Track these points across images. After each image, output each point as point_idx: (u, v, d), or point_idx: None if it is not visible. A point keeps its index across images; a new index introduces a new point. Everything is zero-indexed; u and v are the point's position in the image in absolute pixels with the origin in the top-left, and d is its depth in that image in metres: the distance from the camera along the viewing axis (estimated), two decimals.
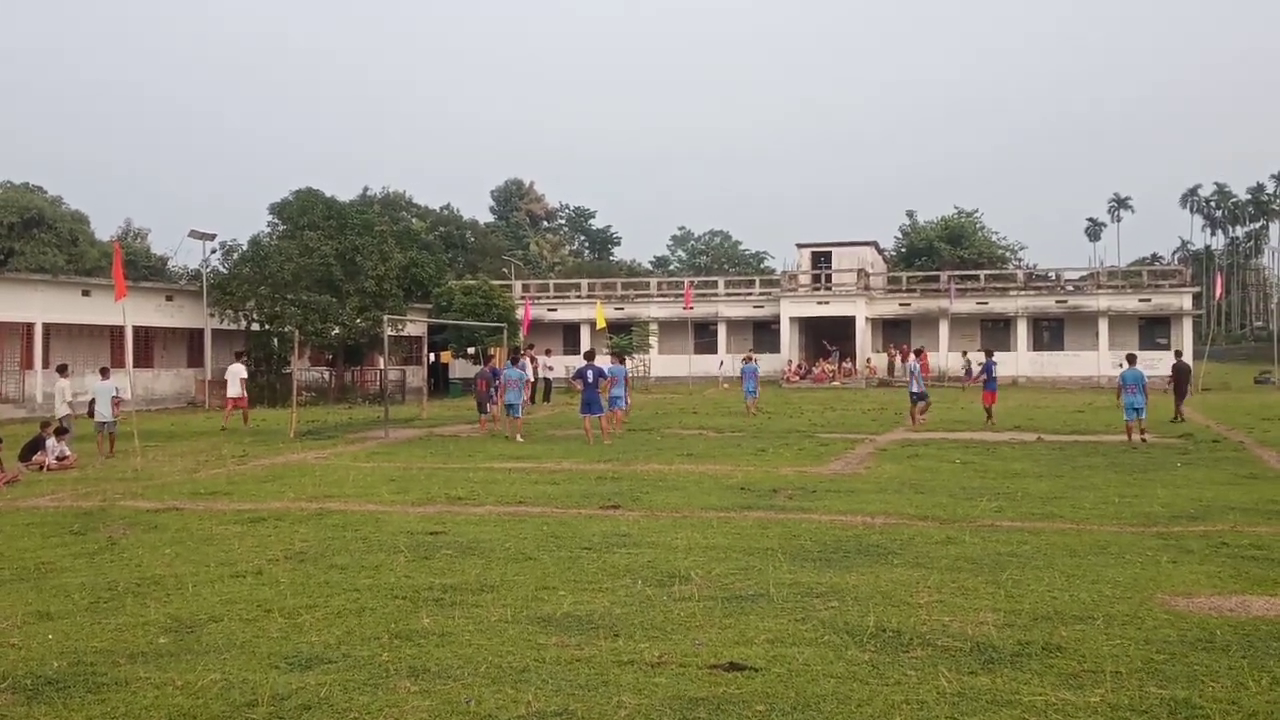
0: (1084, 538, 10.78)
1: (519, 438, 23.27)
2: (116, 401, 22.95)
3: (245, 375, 31.75)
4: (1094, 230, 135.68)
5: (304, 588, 8.83)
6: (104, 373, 24.28)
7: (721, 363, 55.46)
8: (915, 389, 26.98)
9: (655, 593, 8.45)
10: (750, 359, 35.11)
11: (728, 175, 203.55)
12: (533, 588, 8.69)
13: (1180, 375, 29.41)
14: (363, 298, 46.00)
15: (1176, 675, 6.20)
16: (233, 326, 45.43)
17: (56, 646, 7.17)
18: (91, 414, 23.09)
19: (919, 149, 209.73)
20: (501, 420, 26.34)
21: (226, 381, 31.80)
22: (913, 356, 29.78)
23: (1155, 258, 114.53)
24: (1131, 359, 23.48)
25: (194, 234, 47.01)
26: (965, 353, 50.98)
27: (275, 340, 45.57)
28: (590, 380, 22.98)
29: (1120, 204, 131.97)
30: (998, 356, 31.33)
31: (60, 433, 20.42)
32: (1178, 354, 35.63)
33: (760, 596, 8.25)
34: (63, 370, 24.76)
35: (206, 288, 45.41)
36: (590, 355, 24.77)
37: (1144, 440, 21.44)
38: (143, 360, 43.26)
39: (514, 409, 24.37)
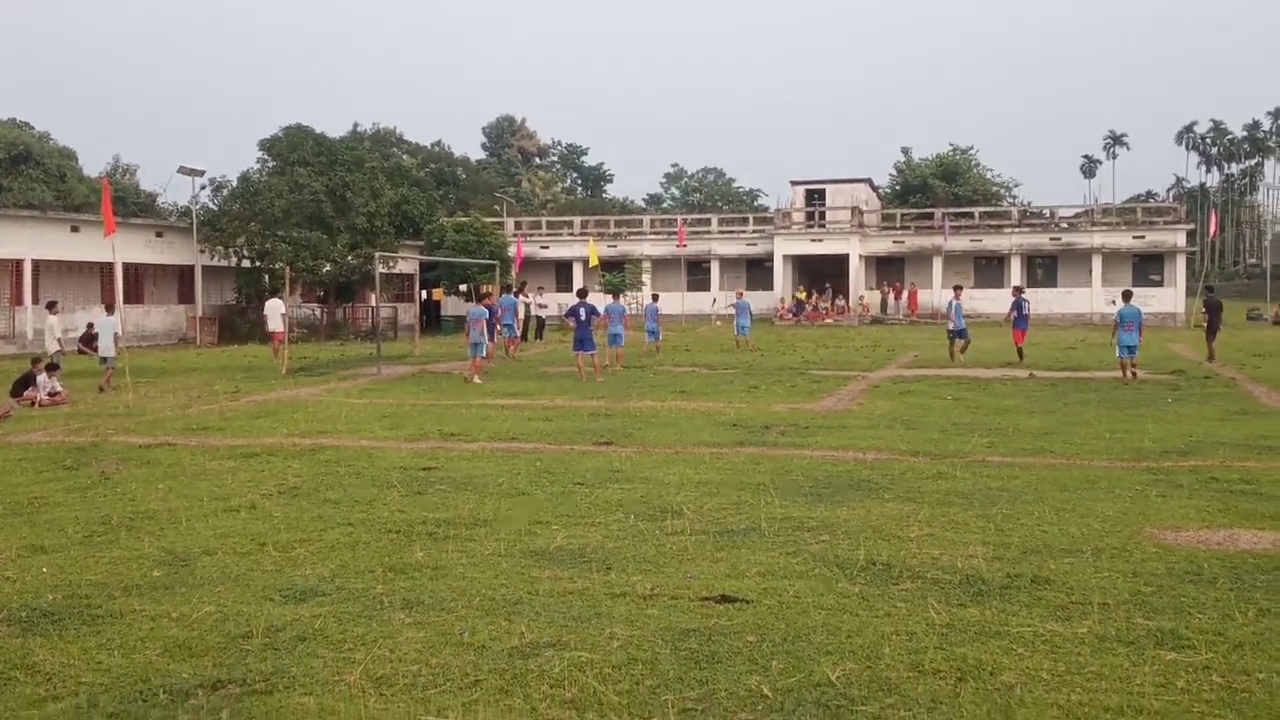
0: (1074, 472, 10.85)
1: (477, 379, 22.39)
2: (117, 337, 23.02)
3: (284, 310, 32.73)
4: (1089, 168, 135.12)
5: (297, 522, 8.88)
6: (109, 308, 24.26)
7: (714, 300, 55.40)
8: (954, 326, 27.05)
9: (647, 527, 8.50)
10: (741, 295, 34.87)
11: (722, 112, 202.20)
12: (526, 522, 8.74)
13: (1213, 310, 28.11)
14: (354, 234, 45.83)
15: (1164, 607, 6.26)
16: (223, 263, 45.28)
17: (51, 579, 7.21)
18: (86, 350, 23.16)
19: (915, 86, 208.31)
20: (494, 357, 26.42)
21: (266, 318, 33.00)
22: (952, 293, 29.17)
23: (1150, 195, 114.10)
24: (1127, 295, 22.98)
25: (183, 170, 46.77)
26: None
27: (266, 277, 45.45)
28: (583, 318, 22.92)
29: (1116, 141, 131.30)
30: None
31: (52, 368, 20.39)
32: (1209, 289, 33.98)
33: (752, 531, 8.31)
34: (52, 307, 24.71)
35: (196, 224, 45.23)
36: (583, 293, 24.59)
37: (1134, 377, 21.36)
38: (133, 297, 43.19)
39: (478, 348, 23.34)
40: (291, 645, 5.75)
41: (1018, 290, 28.89)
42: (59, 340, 23.70)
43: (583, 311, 23.02)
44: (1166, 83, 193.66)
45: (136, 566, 7.54)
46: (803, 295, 56.68)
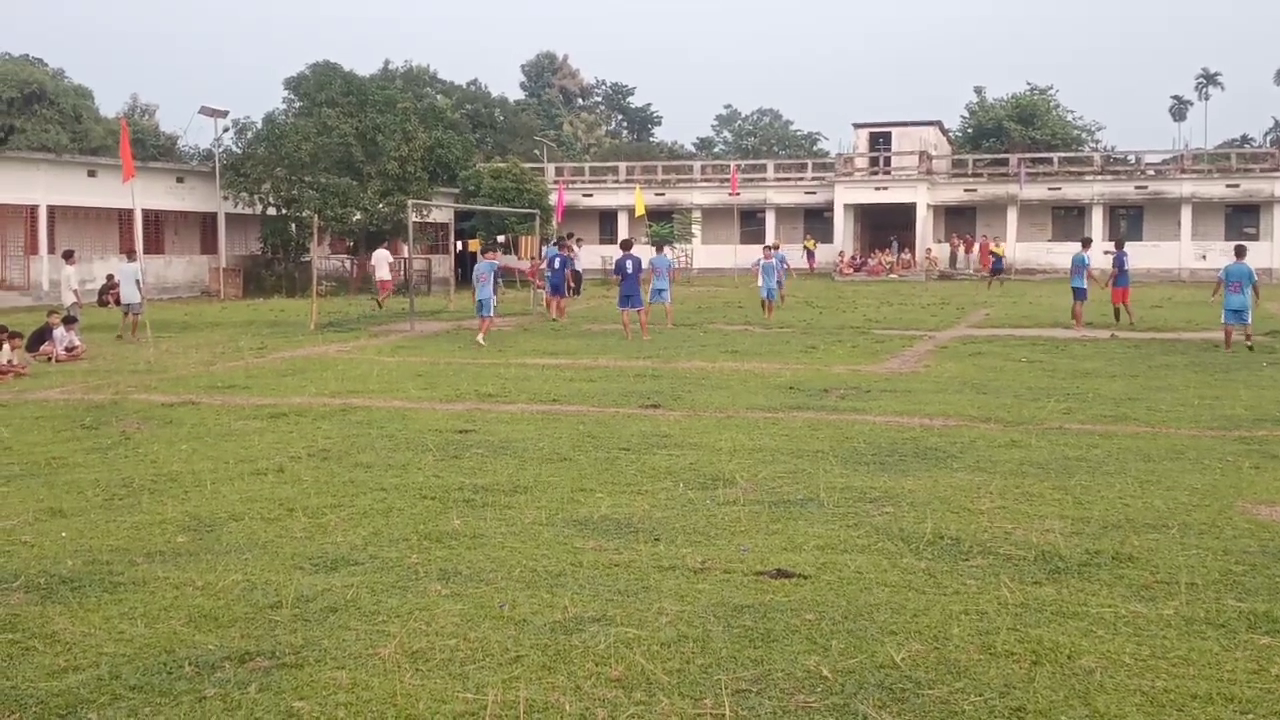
0: (1159, 441, 10.74)
1: (481, 338, 21.98)
2: (139, 284, 23.43)
3: (391, 260, 37.28)
4: (1179, 110, 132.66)
5: (328, 486, 8.97)
6: (129, 255, 24.52)
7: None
8: (1078, 283, 24.77)
9: (698, 496, 8.52)
10: (772, 251, 30.74)
11: (778, 46, 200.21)
12: (568, 489, 8.78)
13: None
14: (385, 180, 45.97)
15: (1257, 587, 6.20)
16: (247, 210, 45.60)
17: (70, 545, 7.34)
18: (104, 302, 23.52)
19: (989, 19, 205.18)
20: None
21: (374, 267, 36.11)
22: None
23: (1245, 140, 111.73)
24: (1241, 251, 20.93)
25: (205, 110, 46.98)
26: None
27: (293, 226, 45.77)
28: (629, 272, 22.85)
29: (1209, 80, 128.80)
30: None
31: (69, 321, 20.68)
32: None
33: (810, 501, 8.30)
34: (69, 256, 25.04)
35: (219, 169, 45.50)
36: (627, 245, 24.34)
37: (1249, 348, 19.50)
38: (153, 246, 43.63)
39: (484, 306, 22.96)
40: (322, 616, 5.83)
41: (1118, 244, 27.19)
42: (75, 292, 24.03)
43: (629, 265, 22.94)
44: (1265, 17, 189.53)
45: (160, 532, 7.65)
46: (811, 245, 56.82)
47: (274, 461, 10.03)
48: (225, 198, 45.03)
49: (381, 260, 36.34)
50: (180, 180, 45.28)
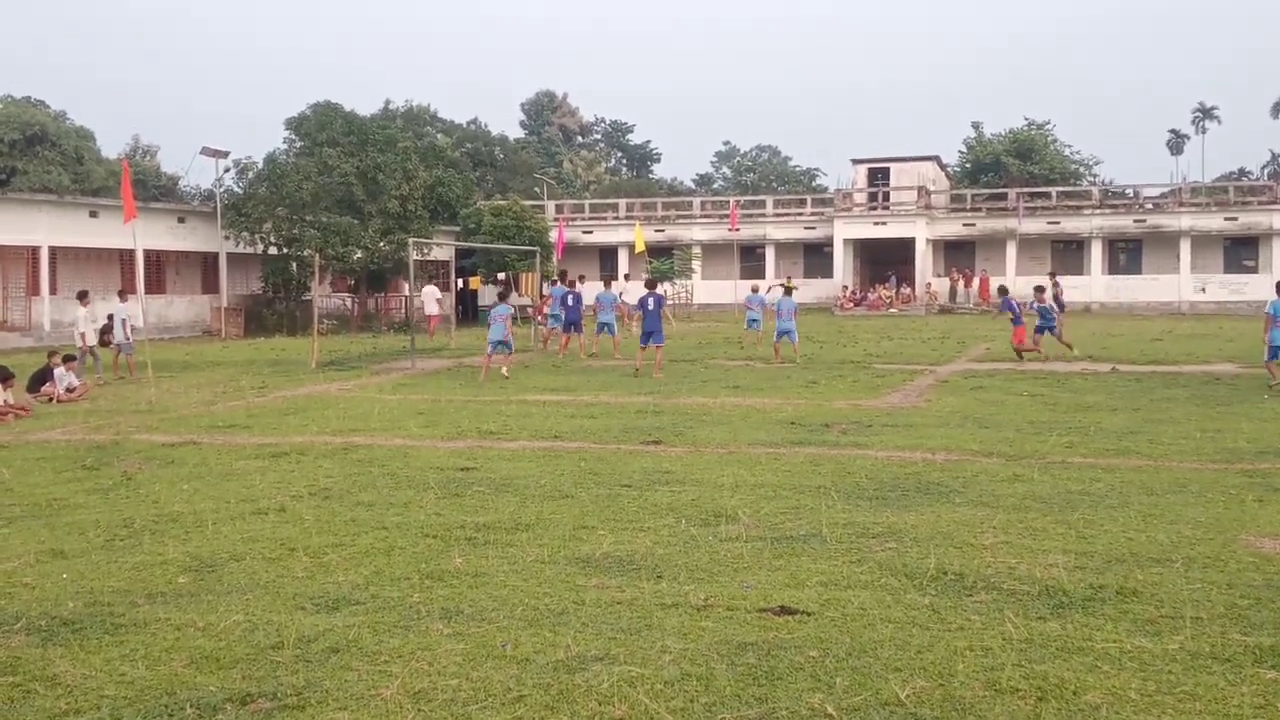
0: (1162, 475, 10.72)
1: (504, 370, 22.51)
2: (126, 323, 23.53)
3: (440, 295, 39.21)
4: (1176, 143, 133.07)
5: (329, 525, 8.95)
6: (121, 295, 24.56)
7: (770, 288, 55.23)
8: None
9: (700, 532, 8.50)
10: (758, 290, 32.76)
11: (777, 85, 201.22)
12: (570, 527, 8.76)
13: None
14: (386, 219, 46.13)
15: (1262, 621, 6.17)
16: (249, 250, 45.71)
17: (71, 586, 7.32)
18: (104, 342, 23.62)
19: (985, 55, 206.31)
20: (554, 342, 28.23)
21: (424, 303, 37.58)
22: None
23: (1243, 173, 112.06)
24: None
25: (206, 151, 47.18)
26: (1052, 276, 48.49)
27: (294, 264, 45.87)
28: (651, 308, 23.25)
29: (1205, 114, 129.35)
30: (1071, 280, 29.97)
31: (68, 360, 20.67)
32: None
33: (812, 537, 8.28)
34: (83, 297, 25.01)
35: (221, 208, 45.65)
36: (652, 284, 24.64)
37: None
38: (154, 286, 43.73)
39: (504, 345, 22.89)
40: (324, 657, 5.80)
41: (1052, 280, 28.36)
42: (82, 335, 24.05)
43: (651, 302, 23.35)
44: (1261, 51, 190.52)
45: (161, 572, 7.63)
46: (790, 284, 56.36)
47: (275, 501, 10.01)
48: (227, 237, 45.14)
49: (430, 296, 38.06)
50: (182, 220, 45.43)
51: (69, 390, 19.96)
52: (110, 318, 24.52)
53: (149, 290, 40.08)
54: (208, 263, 46.91)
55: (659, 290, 24.48)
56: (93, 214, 41.05)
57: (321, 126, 46.70)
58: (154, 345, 27.19)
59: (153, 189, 64.93)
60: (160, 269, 45.06)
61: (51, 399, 19.50)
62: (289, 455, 12.71)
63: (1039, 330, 25.61)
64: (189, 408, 18.07)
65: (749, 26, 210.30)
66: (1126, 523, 8.61)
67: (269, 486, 10.81)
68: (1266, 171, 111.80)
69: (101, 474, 11.81)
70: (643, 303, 23.75)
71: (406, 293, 39.39)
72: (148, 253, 41.03)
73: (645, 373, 22.47)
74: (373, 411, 16.90)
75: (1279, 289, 19.94)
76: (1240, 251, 54.33)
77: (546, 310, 32.14)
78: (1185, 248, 53.84)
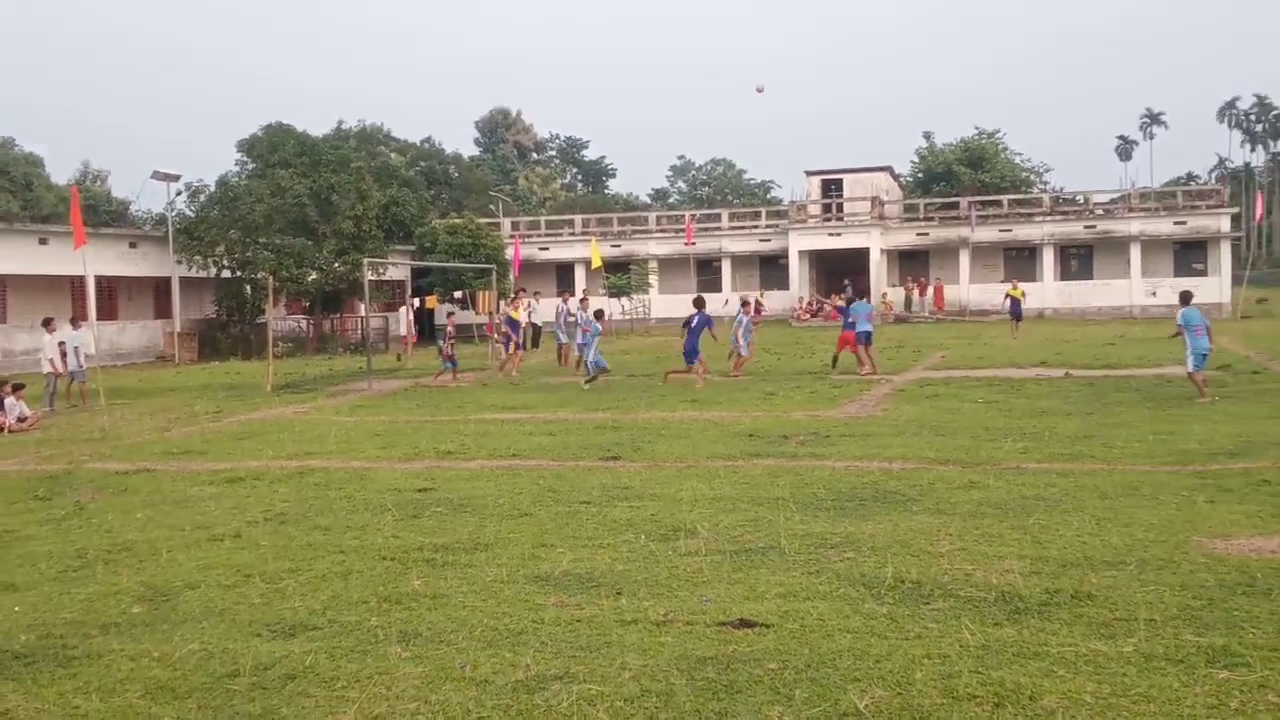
0: (1115, 478, 10.83)
1: (515, 373, 24.56)
2: (78, 350, 23.37)
3: (411, 316, 39.01)
4: (1125, 149, 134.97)
5: (286, 551, 8.89)
6: (73, 322, 24.31)
7: (726, 301, 55.36)
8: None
9: (659, 548, 8.50)
10: (702, 303, 26.63)
11: (731, 99, 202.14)
12: (529, 545, 8.74)
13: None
14: (340, 240, 45.86)
15: (1215, 622, 6.24)
16: (201, 274, 45.32)
17: (23, 619, 7.23)
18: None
19: (936, 65, 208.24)
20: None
21: (400, 322, 38.14)
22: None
23: (1191, 177, 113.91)
24: (1187, 296, 19.60)
25: (157, 175, 46.73)
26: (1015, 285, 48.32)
27: (248, 287, 45.47)
28: (692, 326, 23.55)
29: (1153, 120, 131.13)
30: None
31: (17, 389, 20.42)
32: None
33: (771, 549, 8.30)
34: (48, 324, 24.78)
35: (172, 233, 45.22)
36: (700, 303, 24.71)
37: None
38: (106, 312, 43.22)
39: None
40: (281, 684, 5.76)
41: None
42: (51, 361, 23.76)
43: (695, 320, 23.59)
44: (1206, 56, 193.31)
45: (115, 603, 7.55)
46: (761, 296, 55.95)
47: (231, 527, 9.93)
48: (179, 261, 44.73)
49: (401, 317, 38.87)
50: (133, 245, 44.96)
51: (20, 420, 19.72)
52: (62, 344, 24.24)
53: (101, 316, 39.62)
54: (160, 288, 46.44)
55: (705, 310, 24.24)
56: (42, 241, 40.56)
57: (274, 148, 46.39)
58: (106, 372, 26.92)
59: (104, 214, 64.29)
60: (112, 295, 44.58)
61: (2, 429, 19.24)
62: (244, 480, 12.61)
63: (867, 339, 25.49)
64: (143, 434, 17.89)
65: (705, 59, 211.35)
66: (1080, 527, 8.69)
67: (224, 513, 10.72)
68: (1214, 175, 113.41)
69: (54, 504, 11.67)
70: (687, 322, 24.02)
71: (362, 313, 39.10)
72: (99, 279, 40.57)
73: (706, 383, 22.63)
74: (329, 434, 16.80)
75: (1184, 298, 19.46)
76: (1190, 255, 54.93)
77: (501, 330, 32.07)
78: (1136, 253, 54.39)
